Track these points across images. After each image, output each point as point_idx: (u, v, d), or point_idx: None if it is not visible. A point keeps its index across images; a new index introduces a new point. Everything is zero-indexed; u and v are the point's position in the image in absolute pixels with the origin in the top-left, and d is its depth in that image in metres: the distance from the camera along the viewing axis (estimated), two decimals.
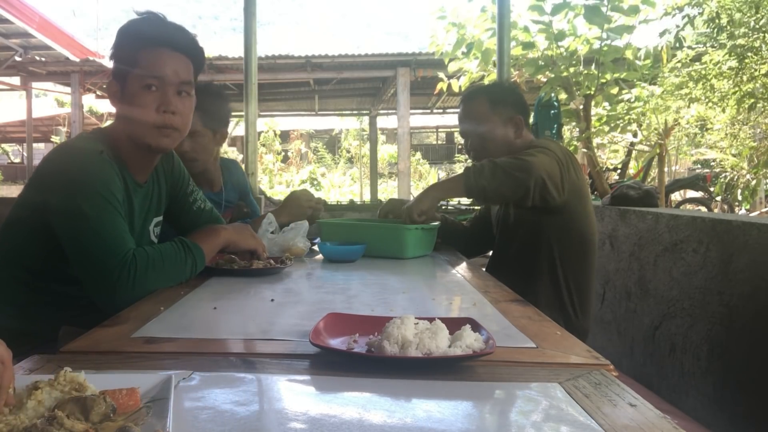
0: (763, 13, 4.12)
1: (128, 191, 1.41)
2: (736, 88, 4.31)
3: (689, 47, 4.64)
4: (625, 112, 4.26)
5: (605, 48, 3.78)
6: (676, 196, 8.82)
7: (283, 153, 19.20)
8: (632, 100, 4.28)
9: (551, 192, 1.77)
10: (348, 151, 21.37)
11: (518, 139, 1.97)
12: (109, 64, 1.45)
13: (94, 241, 1.25)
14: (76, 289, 1.32)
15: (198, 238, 1.43)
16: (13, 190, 15.48)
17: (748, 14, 4.16)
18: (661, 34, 4.32)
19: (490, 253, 2.21)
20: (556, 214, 1.85)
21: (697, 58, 4.63)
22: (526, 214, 1.89)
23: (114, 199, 1.31)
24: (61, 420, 0.55)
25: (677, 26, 4.32)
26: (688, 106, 4.66)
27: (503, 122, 1.97)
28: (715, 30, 4.34)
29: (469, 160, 2.18)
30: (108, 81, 1.42)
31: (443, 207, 4.47)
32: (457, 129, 2.15)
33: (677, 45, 4.49)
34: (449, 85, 4.87)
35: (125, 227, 1.32)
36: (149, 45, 1.36)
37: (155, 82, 1.35)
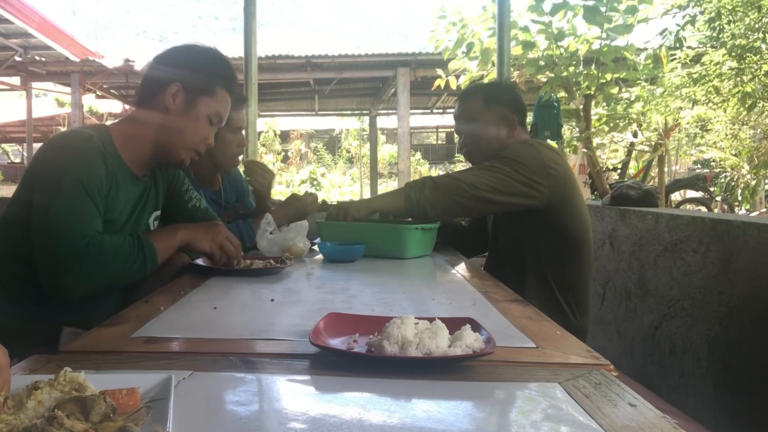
0: (763, 13, 4.12)
1: (117, 181, 1.42)
2: (737, 88, 4.31)
3: (689, 47, 4.64)
4: (624, 111, 4.26)
5: (605, 48, 3.78)
6: (676, 196, 8.82)
7: (283, 153, 19.20)
8: (632, 99, 4.29)
9: (507, 203, 1.80)
10: (348, 151, 21.38)
11: (510, 138, 1.98)
12: (144, 62, 1.49)
13: (57, 220, 1.27)
14: None
15: (154, 235, 1.44)
16: (13, 190, 15.47)
17: (749, 14, 4.16)
18: (662, 34, 4.32)
19: None
20: (538, 215, 1.85)
21: (698, 58, 4.63)
22: (511, 215, 1.90)
23: (90, 182, 1.32)
24: (61, 420, 0.55)
25: (677, 25, 4.32)
26: (691, 108, 4.66)
27: (496, 120, 1.98)
28: (716, 30, 4.34)
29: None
30: (173, 83, 1.45)
31: None
32: None
33: (677, 45, 4.49)
34: (448, 84, 4.87)
35: (94, 214, 1.32)
36: (228, 89, 1.54)
37: (216, 121, 1.53)
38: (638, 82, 4.25)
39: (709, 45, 4.71)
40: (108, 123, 1.67)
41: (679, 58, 4.48)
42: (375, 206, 1.97)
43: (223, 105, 1.53)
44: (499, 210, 1.89)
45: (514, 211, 1.85)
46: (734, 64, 4.25)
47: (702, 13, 4.37)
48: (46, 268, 1.27)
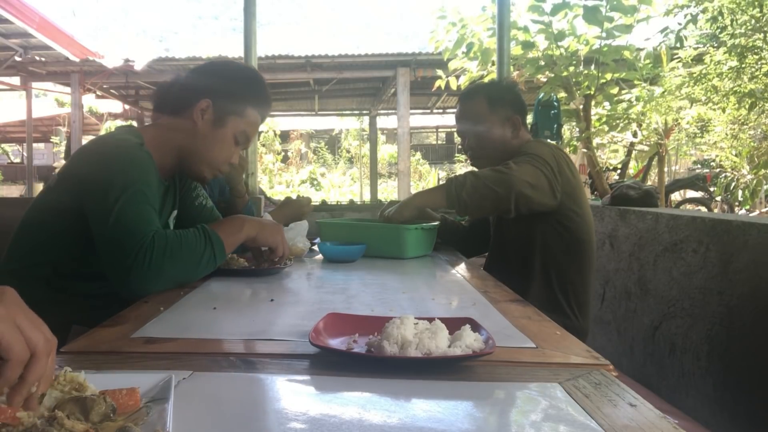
0: (764, 13, 4.11)
1: (158, 186, 1.45)
2: (737, 88, 4.31)
3: (690, 47, 4.64)
4: (624, 111, 4.26)
5: (605, 48, 3.78)
6: (676, 196, 8.82)
7: (283, 153, 19.19)
8: (632, 99, 4.28)
9: (537, 201, 1.78)
10: (348, 151, 21.37)
11: (515, 139, 1.97)
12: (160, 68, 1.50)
13: (118, 222, 1.24)
14: (98, 286, 1.35)
15: (220, 228, 1.37)
16: (13, 190, 15.45)
17: (749, 14, 4.16)
18: (662, 32, 4.32)
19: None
20: (548, 215, 1.84)
21: (699, 58, 4.62)
22: (520, 215, 1.89)
23: (148, 188, 1.32)
24: (61, 420, 0.55)
25: (679, 24, 4.32)
26: (690, 107, 4.66)
27: (501, 121, 1.97)
28: (717, 29, 4.34)
29: (468, 160, 2.18)
30: (204, 98, 1.45)
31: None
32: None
33: (678, 45, 4.48)
34: (448, 84, 4.87)
35: (153, 214, 1.31)
36: (260, 110, 1.53)
37: (243, 140, 1.51)
38: (638, 82, 4.24)
39: (709, 45, 4.70)
40: (142, 126, 1.67)
41: (681, 57, 4.47)
42: (417, 204, 1.93)
43: (251, 125, 1.51)
44: (528, 208, 1.80)
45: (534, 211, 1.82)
46: (735, 63, 4.25)
47: (703, 12, 4.36)
48: (116, 271, 1.23)
